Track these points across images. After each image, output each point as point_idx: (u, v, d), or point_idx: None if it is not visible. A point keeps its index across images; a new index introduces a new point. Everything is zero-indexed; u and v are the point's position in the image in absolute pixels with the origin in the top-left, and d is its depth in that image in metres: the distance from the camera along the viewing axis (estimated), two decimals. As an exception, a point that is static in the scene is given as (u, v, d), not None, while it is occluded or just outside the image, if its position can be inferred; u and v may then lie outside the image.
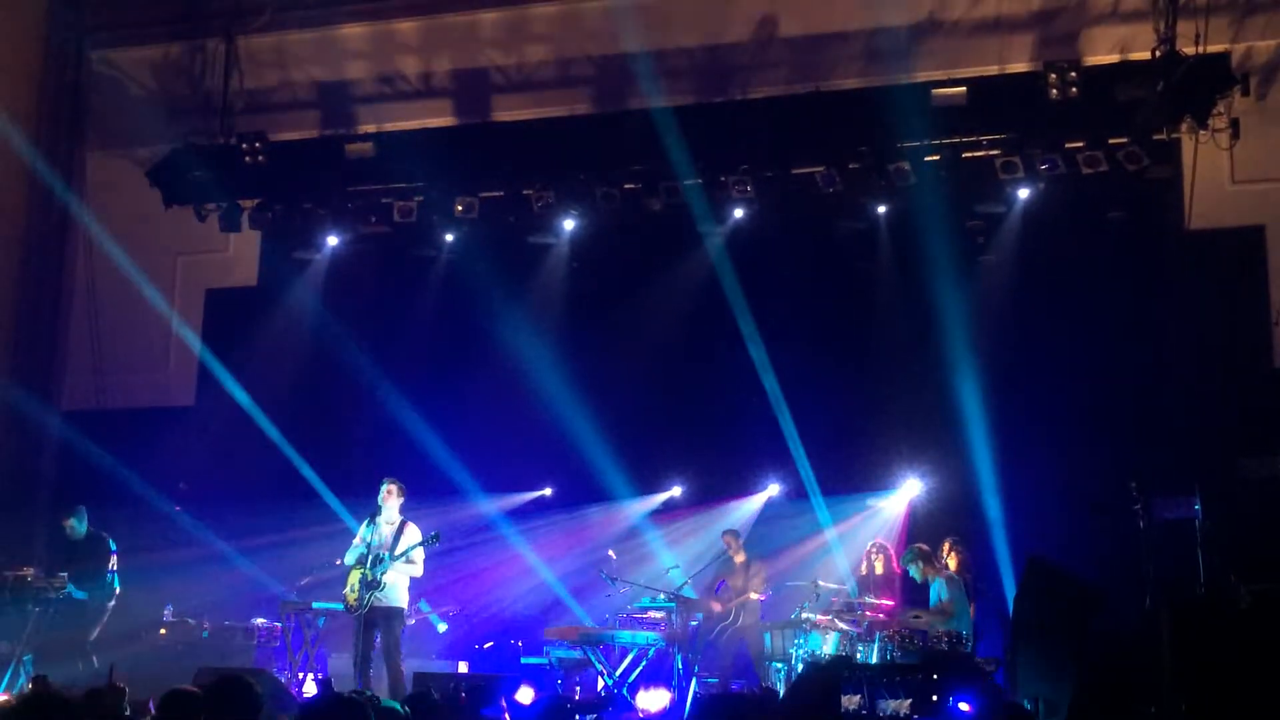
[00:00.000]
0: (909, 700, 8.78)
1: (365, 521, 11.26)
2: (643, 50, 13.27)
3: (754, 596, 12.48)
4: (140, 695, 7.82)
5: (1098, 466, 11.68)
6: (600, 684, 11.58)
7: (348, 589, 11.11)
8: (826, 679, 9.15)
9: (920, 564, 11.43)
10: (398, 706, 6.49)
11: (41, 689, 6.59)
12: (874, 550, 12.36)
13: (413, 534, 11.16)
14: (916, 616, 11.15)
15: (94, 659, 11.36)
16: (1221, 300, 12.19)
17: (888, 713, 8.75)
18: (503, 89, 14.29)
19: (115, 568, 11.96)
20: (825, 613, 11.66)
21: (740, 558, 12.76)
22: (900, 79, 12.59)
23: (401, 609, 11.18)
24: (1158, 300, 12.40)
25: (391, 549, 11.00)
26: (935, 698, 8.69)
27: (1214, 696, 8.41)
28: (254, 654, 12.19)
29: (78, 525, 12.06)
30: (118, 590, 11.96)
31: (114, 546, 12.03)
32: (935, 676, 8.83)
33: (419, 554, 11.11)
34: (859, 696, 8.79)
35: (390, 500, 11.20)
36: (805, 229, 13.42)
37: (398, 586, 11.08)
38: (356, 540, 11.26)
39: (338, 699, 5.38)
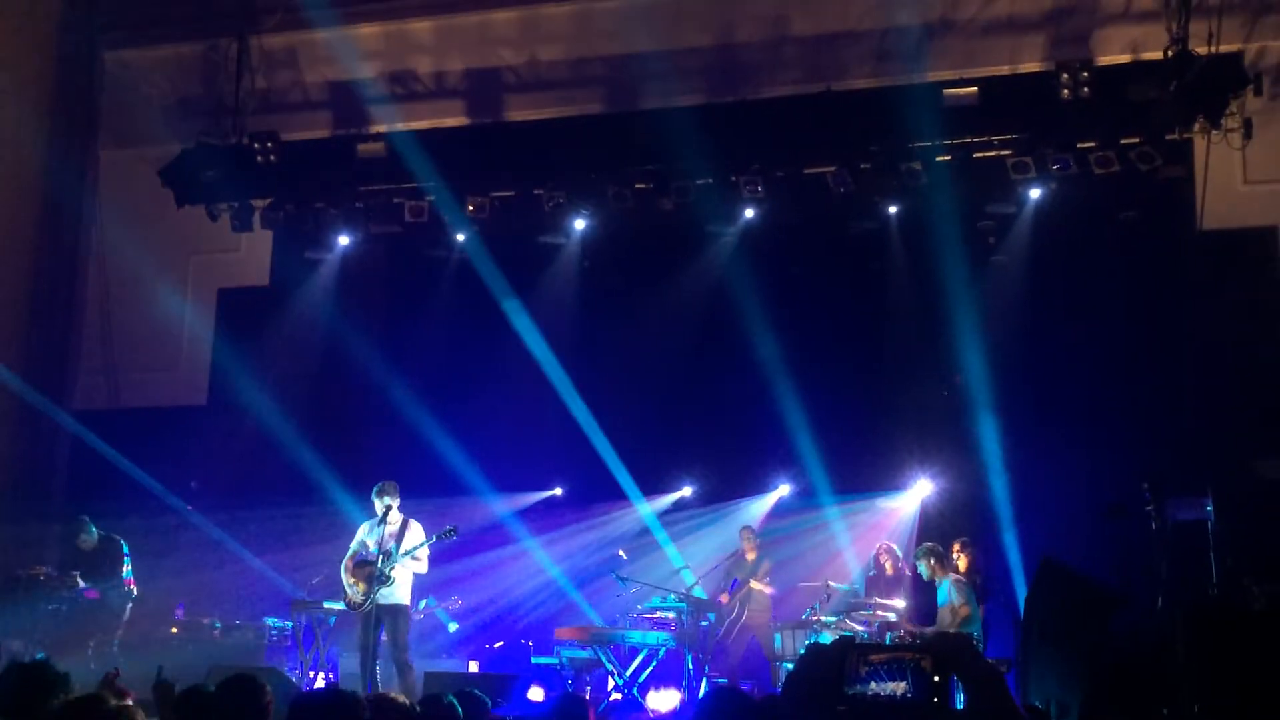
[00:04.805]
0: (904, 683, 8.78)
1: (369, 523, 11.27)
2: (655, 50, 13.27)
3: (755, 586, 12.48)
4: (150, 695, 7.83)
5: (1110, 467, 11.66)
6: (611, 684, 11.58)
7: (346, 587, 11.12)
8: (830, 658, 9.16)
9: (931, 562, 11.41)
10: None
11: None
12: (883, 552, 12.36)
13: (416, 530, 11.17)
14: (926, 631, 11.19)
15: (92, 656, 11.39)
16: (1233, 301, 12.15)
17: (885, 692, 8.75)
18: (515, 89, 14.31)
19: (130, 568, 12.01)
20: (834, 613, 11.67)
21: (752, 555, 12.77)
22: (912, 79, 12.59)
23: (406, 606, 11.17)
24: (1170, 301, 12.36)
25: (397, 545, 11.02)
26: (936, 678, 8.68)
27: (1227, 698, 8.38)
28: (265, 653, 12.21)
29: (88, 537, 12.12)
30: (135, 591, 12.01)
31: (126, 548, 12.08)
32: (938, 659, 8.83)
33: (425, 550, 11.13)
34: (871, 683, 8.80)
35: (395, 501, 11.22)
36: (817, 229, 13.42)
37: (403, 583, 11.09)
38: (355, 541, 11.27)
39: (330, 694, 5.37)
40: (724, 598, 12.54)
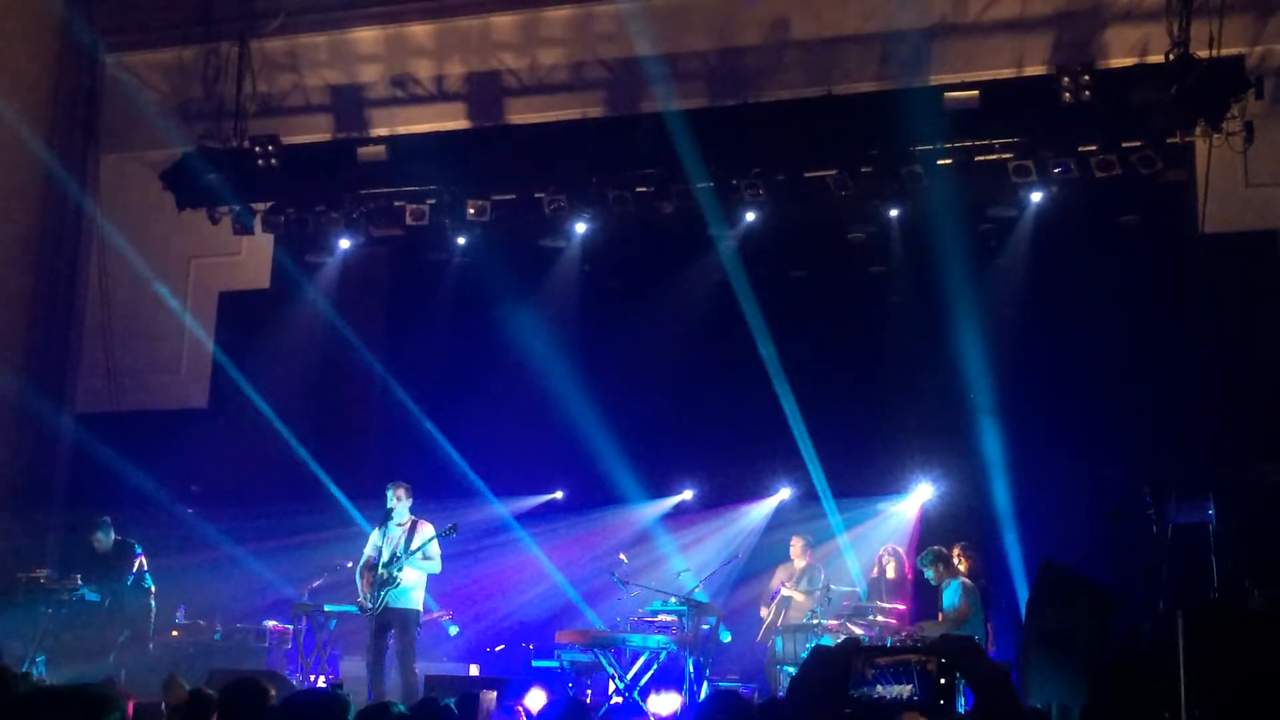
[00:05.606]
0: (910, 685, 8.78)
1: (377, 527, 11.27)
2: (655, 53, 13.27)
3: (785, 592, 12.47)
4: (153, 698, 7.84)
5: (1111, 470, 11.64)
6: (611, 688, 11.57)
7: (359, 591, 11.14)
8: (836, 660, 9.15)
9: (938, 566, 11.43)
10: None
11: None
12: (886, 554, 12.36)
13: (426, 532, 11.16)
14: (925, 626, 11.16)
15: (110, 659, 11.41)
16: (1235, 304, 12.15)
17: (891, 695, 8.76)
18: (515, 92, 14.30)
19: (144, 570, 12.01)
20: (836, 617, 11.66)
21: (800, 563, 12.73)
22: (913, 82, 12.58)
23: (417, 611, 11.16)
24: (1171, 304, 12.36)
25: (405, 547, 11.01)
26: (943, 680, 8.68)
27: (1229, 702, 8.36)
28: (265, 656, 12.20)
29: (104, 538, 12.10)
30: (153, 589, 12.00)
31: (139, 551, 12.08)
32: (944, 661, 8.82)
33: (436, 549, 11.11)
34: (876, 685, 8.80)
35: (400, 504, 11.21)
36: (817, 232, 13.41)
37: (413, 588, 11.07)
38: (369, 546, 11.29)
39: (319, 694, 5.38)
40: (766, 610, 12.58)
